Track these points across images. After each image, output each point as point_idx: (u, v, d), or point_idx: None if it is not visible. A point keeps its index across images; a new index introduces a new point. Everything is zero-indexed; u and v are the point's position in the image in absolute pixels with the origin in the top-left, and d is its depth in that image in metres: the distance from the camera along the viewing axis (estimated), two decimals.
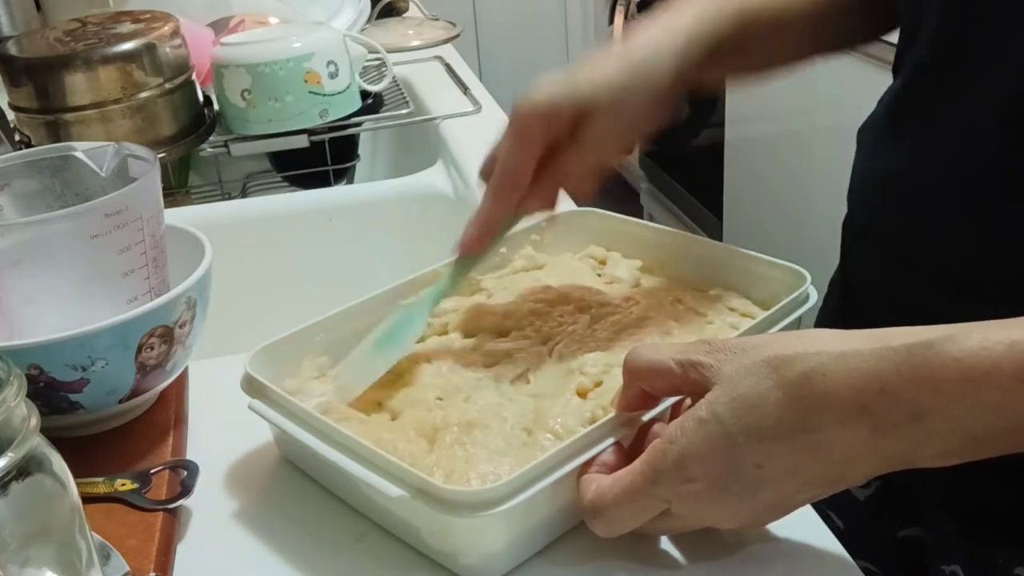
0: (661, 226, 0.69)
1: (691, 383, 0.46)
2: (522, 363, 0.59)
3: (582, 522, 0.50)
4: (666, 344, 0.49)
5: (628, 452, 0.50)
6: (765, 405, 0.42)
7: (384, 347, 0.59)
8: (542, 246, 0.72)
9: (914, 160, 0.63)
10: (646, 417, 0.50)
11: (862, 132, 0.71)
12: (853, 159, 0.71)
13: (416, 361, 0.60)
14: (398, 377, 0.59)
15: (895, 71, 0.67)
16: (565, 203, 0.89)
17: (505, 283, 0.68)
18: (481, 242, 0.61)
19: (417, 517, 0.49)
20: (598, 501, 0.47)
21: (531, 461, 0.47)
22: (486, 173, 0.61)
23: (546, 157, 0.59)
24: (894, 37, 0.68)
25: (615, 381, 0.53)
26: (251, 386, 0.56)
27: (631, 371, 0.49)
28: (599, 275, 0.69)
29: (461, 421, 0.53)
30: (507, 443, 0.52)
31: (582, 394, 0.55)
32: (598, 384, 0.56)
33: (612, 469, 0.48)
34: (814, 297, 0.59)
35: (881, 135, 0.67)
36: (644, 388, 0.49)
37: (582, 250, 0.72)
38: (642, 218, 2.85)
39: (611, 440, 0.49)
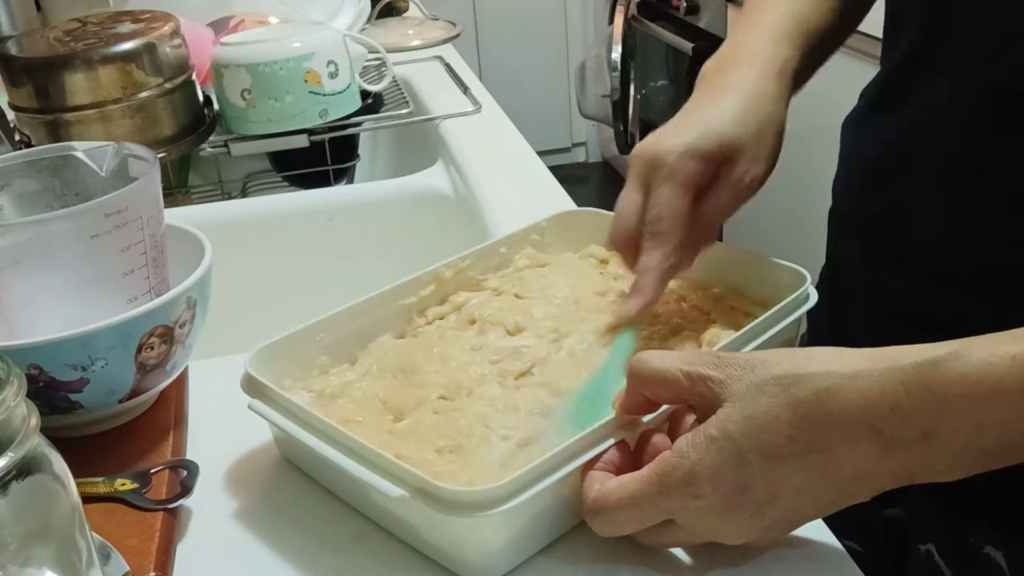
0: None
1: (698, 396, 0.46)
2: (528, 359, 0.59)
3: (584, 521, 0.50)
4: (672, 353, 0.48)
5: (632, 454, 0.50)
6: (776, 424, 0.43)
7: (587, 419, 0.52)
8: (543, 245, 0.72)
9: (891, 147, 0.65)
10: (647, 419, 0.50)
11: (846, 125, 0.72)
12: (839, 152, 0.72)
13: (422, 357, 0.60)
14: (402, 374, 0.59)
15: (882, 63, 0.69)
16: (565, 203, 0.89)
17: (512, 280, 0.68)
18: (654, 302, 0.58)
19: (417, 517, 0.49)
20: (601, 501, 0.47)
21: (532, 457, 0.47)
22: (625, 237, 0.58)
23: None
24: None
25: None
26: (251, 386, 0.56)
27: (637, 377, 0.48)
28: (601, 273, 0.69)
29: (469, 419, 0.53)
30: (523, 432, 0.52)
31: None
32: None
33: (617, 468, 0.48)
34: (814, 297, 0.59)
35: (864, 124, 0.69)
36: (648, 395, 0.49)
37: (583, 249, 0.72)
38: None
39: (611, 441, 0.49)
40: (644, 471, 0.46)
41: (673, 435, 0.48)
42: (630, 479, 0.46)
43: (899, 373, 0.41)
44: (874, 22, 0.71)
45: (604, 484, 0.47)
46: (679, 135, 0.58)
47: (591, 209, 0.73)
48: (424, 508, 0.46)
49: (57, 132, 0.96)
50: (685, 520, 0.46)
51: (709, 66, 0.64)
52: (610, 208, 0.73)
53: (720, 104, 0.59)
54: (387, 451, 0.49)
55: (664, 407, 0.50)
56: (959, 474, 0.43)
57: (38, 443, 0.37)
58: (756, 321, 0.57)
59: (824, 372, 0.43)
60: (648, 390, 0.48)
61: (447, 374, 0.58)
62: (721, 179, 0.58)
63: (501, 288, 0.67)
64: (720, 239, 0.66)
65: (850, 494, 0.44)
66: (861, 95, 0.72)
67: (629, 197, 0.59)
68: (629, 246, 0.59)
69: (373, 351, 0.63)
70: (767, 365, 0.44)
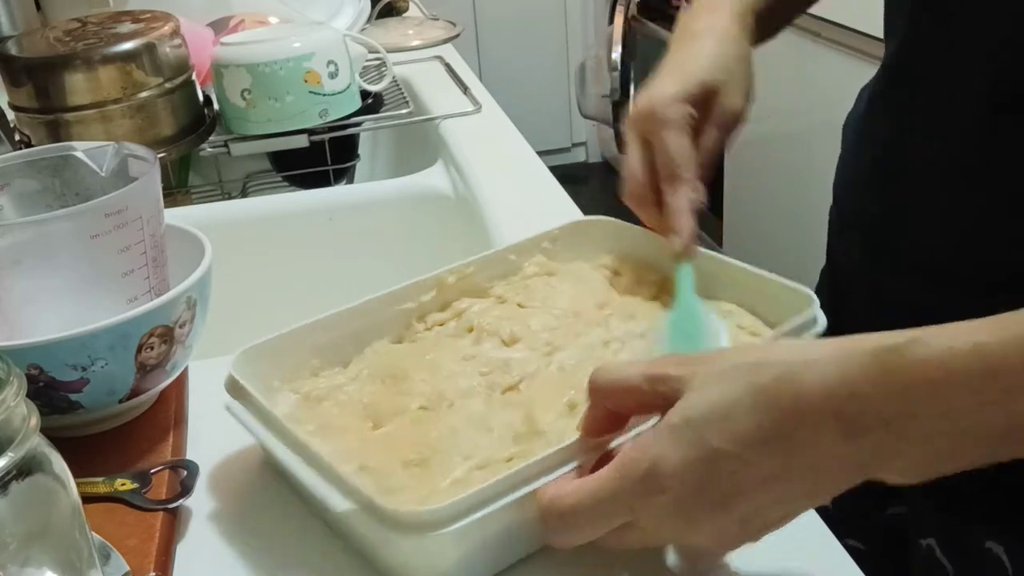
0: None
1: (661, 397, 0.44)
2: (516, 373, 0.57)
3: (544, 547, 0.48)
4: (633, 362, 0.47)
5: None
6: (738, 409, 0.42)
7: (686, 344, 0.58)
8: (554, 254, 0.70)
9: (891, 147, 0.65)
10: (614, 444, 0.48)
11: (846, 126, 0.73)
12: (840, 153, 0.73)
13: (412, 364, 0.59)
14: (391, 380, 0.58)
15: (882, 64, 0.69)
16: (564, 203, 0.89)
17: (517, 288, 0.66)
18: (694, 235, 0.62)
19: (370, 533, 0.48)
20: (557, 503, 0.45)
21: (487, 478, 0.45)
22: (638, 189, 0.62)
23: None
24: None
25: None
26: (232, 387, 0.55)
27: (596, 390, 0.47)
28: (612, 285, 0.67)
29: (440, 433, 0.52)
30: (486, 454, 0.51)
31: (572, 407, 0.54)
32: None
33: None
34: (822, 321, 0.57)
35: (863, 125, 0.69)
36: (611, 408, 0.47)
37: (595, 259, 0.70)
38: None
39: (573, 464, 0.47)
40: (604, 469, 0.44)
41: None
42: (588, 479, 0.44)
43: (858, 358, 0.41)
44: (874, 22, 0.71)
45: (560, 488, 0.45)
46: (666, 87, 0.62)
47: (605, 218, 0.71)
48: (372, 524, 0.45)
49: (57, 132, 0.96)
50: (648, 518, 0.44)
51: (682, 17, 0.69)
52: (613, 213, 0.72)
53: (695, 52, 0.65)
54: (354, 460, 0.49)
55: (631, 432, 0.48)
56: (926, 471, 0.42)
57: (38, 443, 0.37)
58: (762, 340, 0.56)
59: (784, 360, 0.42)
60: (610, 401, 0.47)
61: (433, 383, 0.57)
62: (708, 117, 0.63)
63: (506, 296, 0.66)
64: (721, 245, 0.66)
65: (817, 489, 0.43)
66: (859, 96, 0.72)
67: (633, 153, 0.63)
68: (643, 198, 0.63)
69: (368, 355, 0.62)
70: (727, 357, 0.44)
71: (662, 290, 0.66)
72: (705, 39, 0.65)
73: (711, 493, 0.42)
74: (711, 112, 0.63)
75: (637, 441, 0.44)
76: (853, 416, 0.41)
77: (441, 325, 0.64)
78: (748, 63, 0.66)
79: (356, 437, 0.54)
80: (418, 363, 0.59)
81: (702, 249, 0.63)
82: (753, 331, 0.61)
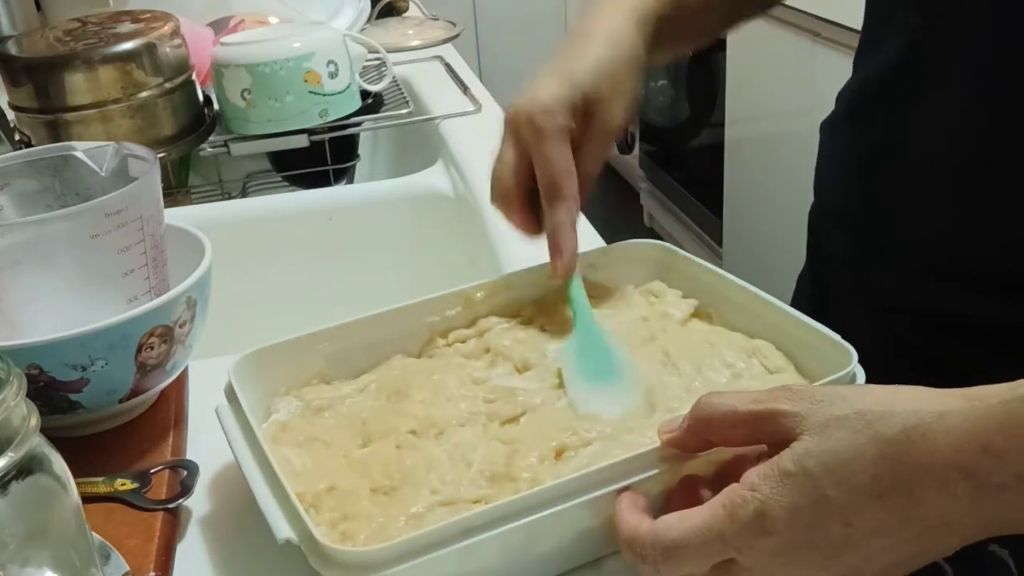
0: (729, 276, 0.63)
1: (771, 434, 0.43)
2: (520, 405, 0.55)
3: None
4: (734, 393, 0.46)
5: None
6: (860, 461, 0.40)
7: (596, 374, 0.56)
8: (599, 275, 0.66)
9: (882, 147, 0.65)
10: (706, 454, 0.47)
11: (825, 126, 0.73)
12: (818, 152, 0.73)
13: (418, 383, 0.58)
14: (395, 396, 0.57)
15: (856, 66, 0.69)
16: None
17: (548, 309, 0.64)
18: (576, 251, 0.60)
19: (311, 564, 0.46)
20: (662, 536, 0.43)
21: (443, 519, 0.45)
22: (505, 194, 0.61)
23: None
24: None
25: (605, 443, 0.51)
26: (229, 392, 0.55)
27: (704, 421, 0.45)
28: (645, 319, 0.63)
29: (416, 461, 0.51)
30: (455, 491, 0.49)
31: (560, 452, 0.52)
32: (587, 444, 0.52)
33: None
34: (861, 376, 0.53)
35: (849, 126, 0.69)
36: (715, 440, 0.46)
37: (643, 284, 0.66)
38: (642, 217, 2.84)
39: (522, 522, 0.45)
40: (708, 504, 0.43)
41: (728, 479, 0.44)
42: (694, 512, 0.43)
43: (989, 410, 0.39)
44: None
45: (664, 520, 0.44)
46: (547, 89, 0.59)
47: (653, 241, 0.68)
48: (311, 558, 0.44)
49: (57, 132, 0.96)
50: (750, 560, 0.42)
51: (587, 5, 0.65)
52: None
53: (583, 53, 0.61)
54: (326, 480, 0.48)
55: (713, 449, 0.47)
56: None
57: (38, 443, 0.37)
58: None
59: (912, 410, 0.40)
60: (716, 434, 0.45)
61: (430, 407, 0.55)
62: (587, 131, 0.60)
63: (534, 317, 0.63)
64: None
65: (931, 546, 0.41)
66: (838, 99, 0.72)
67: (507, 154, 0.61)
68: (510, 203, 0.61)
69: (382, 367, 0.60)
70: (848, 400, 0.42)
71: (703, 318, 0.63)
72: (596, 40, 0.61)
73: (822, 542, 0.41)
74: (590, 126, 0.60)
75: (745, 479, 0.42)
76: (985, 472, 0.39)
77: (463, 343, 0.62)
78: (637, 69, 0.62)
79: (339, 454, 0.53)
80: (423, 382, 0.58)
81: (747, 285, 0.60)
82: (775, 368, 0.57)
